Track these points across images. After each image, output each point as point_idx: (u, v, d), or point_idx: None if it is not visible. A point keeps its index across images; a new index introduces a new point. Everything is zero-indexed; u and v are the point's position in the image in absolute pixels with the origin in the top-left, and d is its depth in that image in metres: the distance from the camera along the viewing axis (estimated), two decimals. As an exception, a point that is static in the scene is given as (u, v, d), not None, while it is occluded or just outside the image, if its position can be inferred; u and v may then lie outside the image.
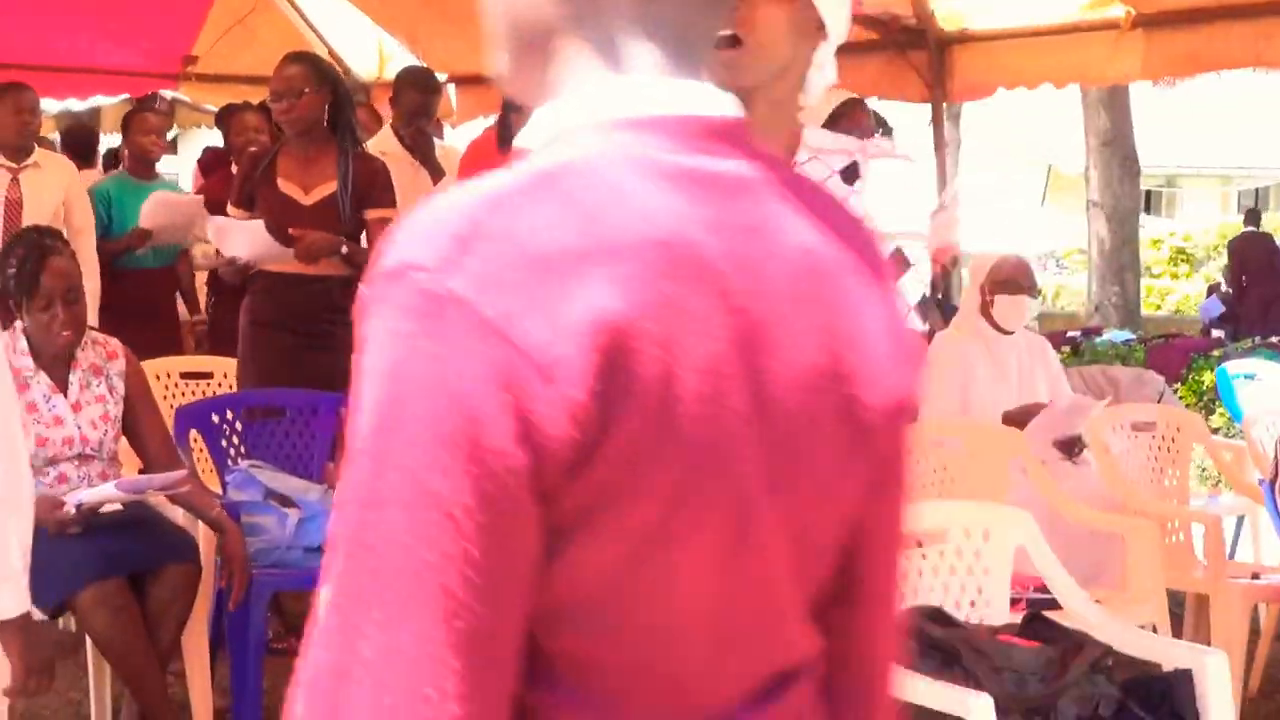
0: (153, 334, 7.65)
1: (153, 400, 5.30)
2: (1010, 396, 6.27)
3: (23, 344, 4.98)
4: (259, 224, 5.97)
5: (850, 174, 2.53)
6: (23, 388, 4.92)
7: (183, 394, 6.57)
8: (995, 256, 6.60)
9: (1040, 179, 25.59)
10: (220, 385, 6.59)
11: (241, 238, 6.00)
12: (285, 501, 5.40)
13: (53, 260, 4.92)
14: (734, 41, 2.32)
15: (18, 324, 5.00)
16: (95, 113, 14.50)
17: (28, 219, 7.28)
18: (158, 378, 6.60)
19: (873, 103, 8.32)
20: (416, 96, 7.46)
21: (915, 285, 2.55)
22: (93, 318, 7.39)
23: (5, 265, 5.02)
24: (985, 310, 6.34)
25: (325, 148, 6.03)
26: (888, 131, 6.73)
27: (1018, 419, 6.14)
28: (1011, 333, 6.34)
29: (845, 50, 7.69)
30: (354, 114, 6.20)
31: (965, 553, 3.91)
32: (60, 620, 5.27)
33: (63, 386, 4.99)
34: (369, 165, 6.12)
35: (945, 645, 3.58)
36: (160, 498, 4.99)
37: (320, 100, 6.00)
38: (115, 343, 5.20)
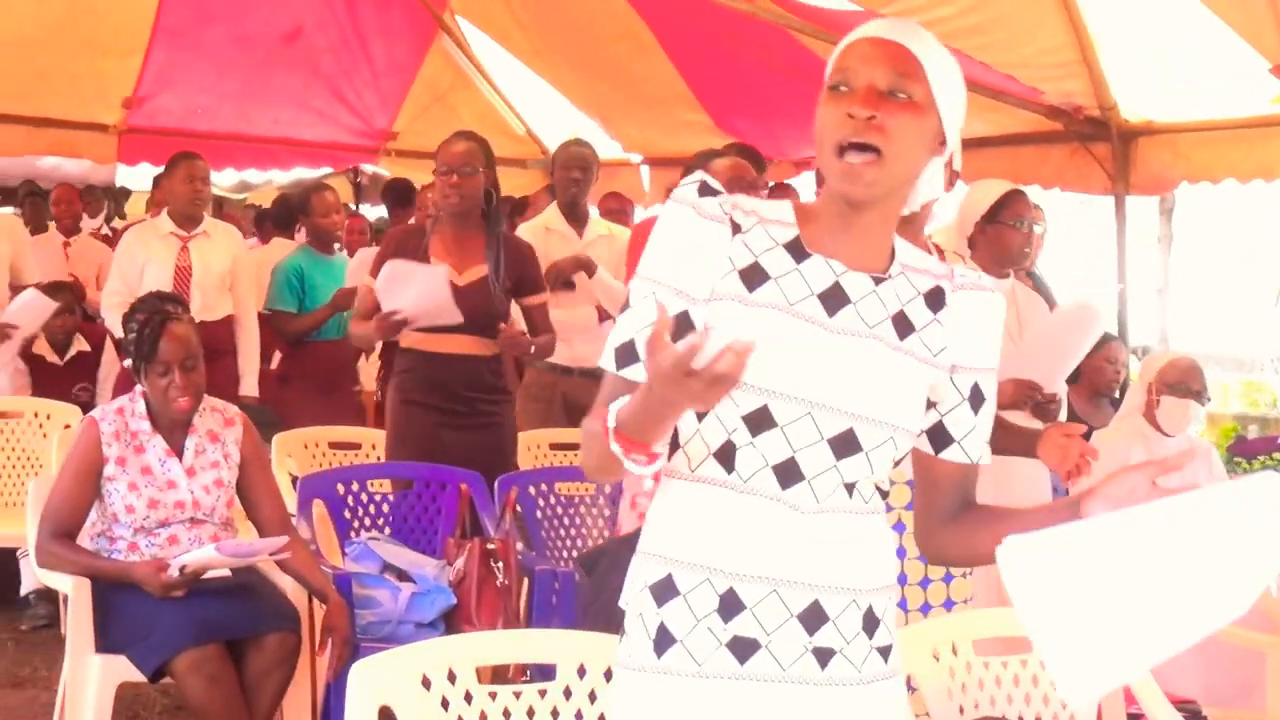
0: (331, 404, 7.75)
1: (268, 468, 5.32)
2: (1169, 502, 6.02)
3: (141, 408, 5.03)
4: (441, 270, 5.86)
5: (934, 300, 2.47)
6: (139, 450, 4.98)
7: (330, 463, 6.60)
8: (1168, 356, 6.38)
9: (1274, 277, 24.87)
10: (368, 456, 6.61)
11: (418, 285, 5.84)
12: (402, 576, 5.37)
13: (172, 327, 4.96)
14: (874, 151, 2.33)
15: (137, 388, 5.06)
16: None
17: (196, 286, 7.43)
18: (306, 446, 6.66)
19: (1054, 194, 8.17)
20: (568, 176, 7.51)
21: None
22: (252, 385, 7.51)
23: (126, 331, 5.09)
24: (1149, 411, 6.12)
25: (477, 229, 5.98)
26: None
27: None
28: (1170, 433, 6.10)
29: (1028, 140, 7.56)
30: (500, 199, 6.15)
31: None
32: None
33: (178, 451, 5.02)
34: (518, 249, 6.09)
35: (1008, 760, 3.40)
36: (270, 564, 5.00)
37: (485, 181, 5.97)
38: (233, 410, 5.23)
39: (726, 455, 2.37)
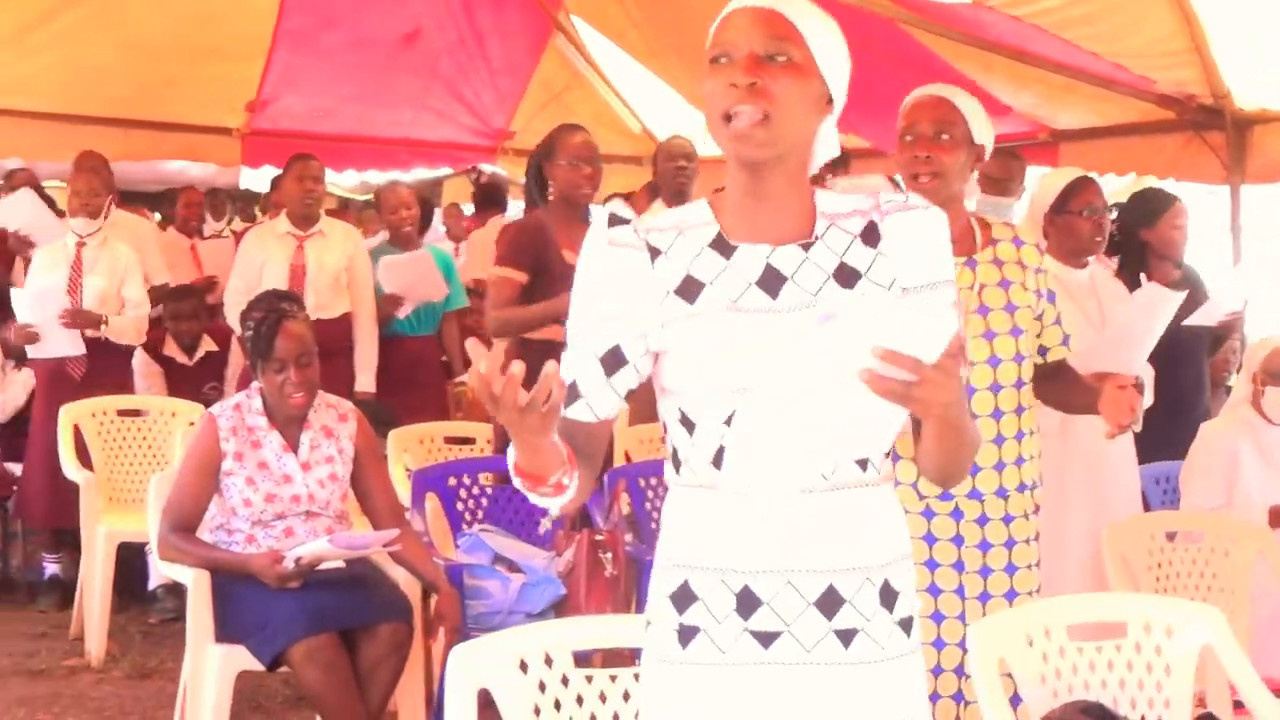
0: (416, 399, 7.85)
1: (381, 462, 5.44)
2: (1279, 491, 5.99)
3: (257, 404, 5.17)
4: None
5: (870, 236, 2.49)
6: (256, 445, 5.12)
7: (444, 458, 6.71)
8: (1271, 345, 6.33)
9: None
10: (482, 451, 6.71)
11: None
12: (512, 567, 5.47)
13: (287, 324, 5.09)
14: (763, 117, 2.38)
15: (254, 384, 5.20)
16: (437, 185, 15.06)
17: (310, 285, 7.58)
18: (421, 441, 6.79)
19: (1176, 185, 8.08)
20: (673, 166, 7.60)
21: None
22: (368, 382, 7.64)
23: (244, 328, 5.23)
24: (1255, 400, 6.08)
25: (585, 222, 6.03)
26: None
27: (1287, 513, 5.88)
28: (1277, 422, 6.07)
29: (1141, 130, 7.50)
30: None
31: (1145, 649, 3.72)
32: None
33: (294, 446, 5.16)
34: None
35: (1099, 743, 3.43)
36: (384, 556, 5.11)
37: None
38: (347, 405, 5.35)
39: (719, 460, 2.42)
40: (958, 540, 4.10)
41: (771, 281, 2.44)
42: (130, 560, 7.00)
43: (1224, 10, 7.09)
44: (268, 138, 10.72)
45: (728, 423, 2.39)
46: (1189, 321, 6.08)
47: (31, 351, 7.72)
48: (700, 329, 2.42)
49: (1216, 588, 5.27)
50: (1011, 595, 4.11)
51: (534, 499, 2.42)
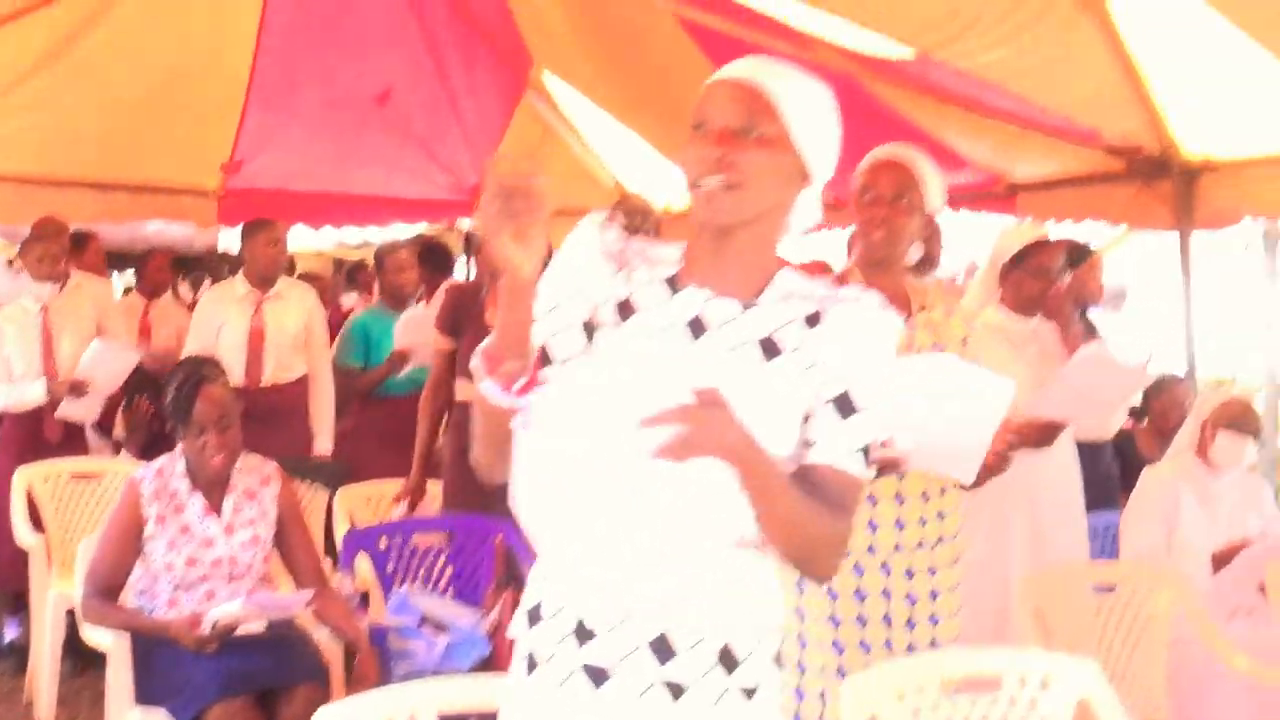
0: (402, 459, 7.88)
1: (303, 523, 5.47)
2: (1218, 538, 6.03)
3: (181, 467, 5.23)
4: None
5: (812, 320, 2.54)
6: (179, 509, 5.17)
7: (392, 517, 6.74)
8: (1224, 395, 6.46)
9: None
10: (433, 508, 6.73)
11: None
12: (440, 627, 5.50)
13: (206, 388, 5.16)
14: (732, 186, 2.46)
15: (179, 447, 5.26)
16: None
17: (269, 346, 7.64)
18: (369, 500, 6.83)
19: (1121, 232, 8.10)
20: (634, 220, 7.68)
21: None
22: (326, 445, 7.67)
23: (165, 392, 5.29)
24: (1202, 448, 6.13)
25: None
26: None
27: (1227, 558, 5.91)
28: (1221, 470, 6.11)
29: (1094, 180, 7.51)
30: None
31: (1019, 703, 3.75)
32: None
33: (217, 508, 5.21)
34: None
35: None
36: (308, 615, 5.15)
37: None
38: (271, 467, 5.40)
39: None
40: (886, 594, 4.14)
41: (697, 326, 2.51)
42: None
43: (1165, 60, 7.12)
44: (245, 197, 10.74)
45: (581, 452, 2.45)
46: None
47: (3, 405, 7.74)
48: (616, 343, 2.52)
49: (1135, 638, 5.29)
50: (936, 646, 4.17)
51: (484, 388, 2.43)
